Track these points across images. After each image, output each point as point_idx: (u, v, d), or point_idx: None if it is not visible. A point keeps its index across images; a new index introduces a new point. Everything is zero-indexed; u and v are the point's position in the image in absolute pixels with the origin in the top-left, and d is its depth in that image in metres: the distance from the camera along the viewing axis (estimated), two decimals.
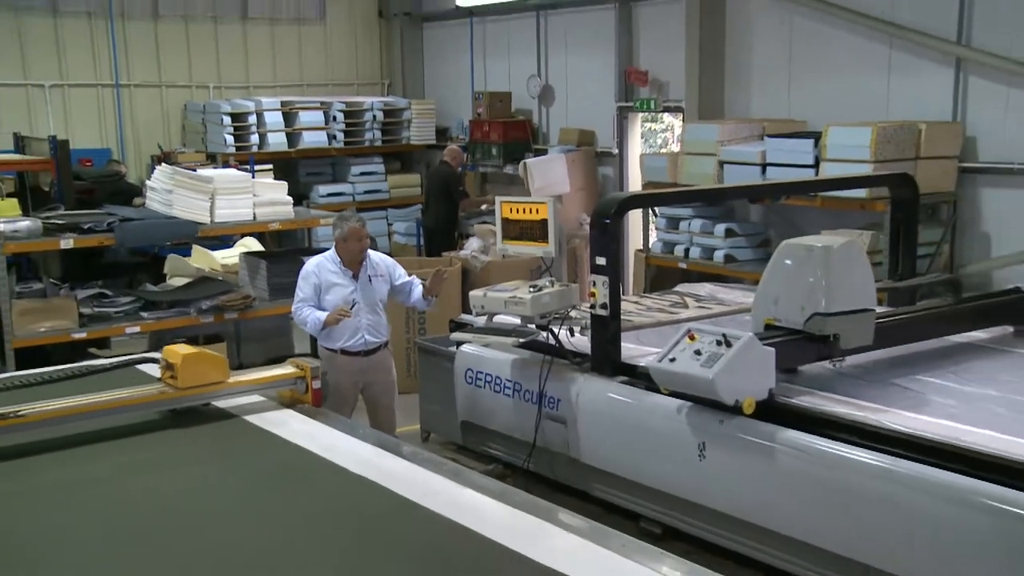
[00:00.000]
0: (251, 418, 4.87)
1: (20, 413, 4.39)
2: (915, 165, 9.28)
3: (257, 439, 4.64)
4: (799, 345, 5.62)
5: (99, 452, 4.48)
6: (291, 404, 5.06)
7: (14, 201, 9.79)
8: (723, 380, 5.04)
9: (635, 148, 13.51)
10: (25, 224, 8.95)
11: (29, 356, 8.72)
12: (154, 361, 4.95)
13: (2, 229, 8.79)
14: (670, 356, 5.31)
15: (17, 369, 8.31)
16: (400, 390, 9.52)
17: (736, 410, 5.11)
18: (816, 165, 9.79)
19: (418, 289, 7.19)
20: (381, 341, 7.13)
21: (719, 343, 5.15)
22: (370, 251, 7.24)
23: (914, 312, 6.58)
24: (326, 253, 7.26)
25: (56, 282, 9.67)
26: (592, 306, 5.98)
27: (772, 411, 5.16)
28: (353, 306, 6.93)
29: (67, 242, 9.11)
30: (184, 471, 4.32)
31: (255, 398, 5.10)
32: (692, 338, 5.29)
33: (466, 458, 6.85)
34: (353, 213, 7.69)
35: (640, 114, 13.41)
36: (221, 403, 4.99)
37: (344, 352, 7.01)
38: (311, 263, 7.24)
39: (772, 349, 5.22)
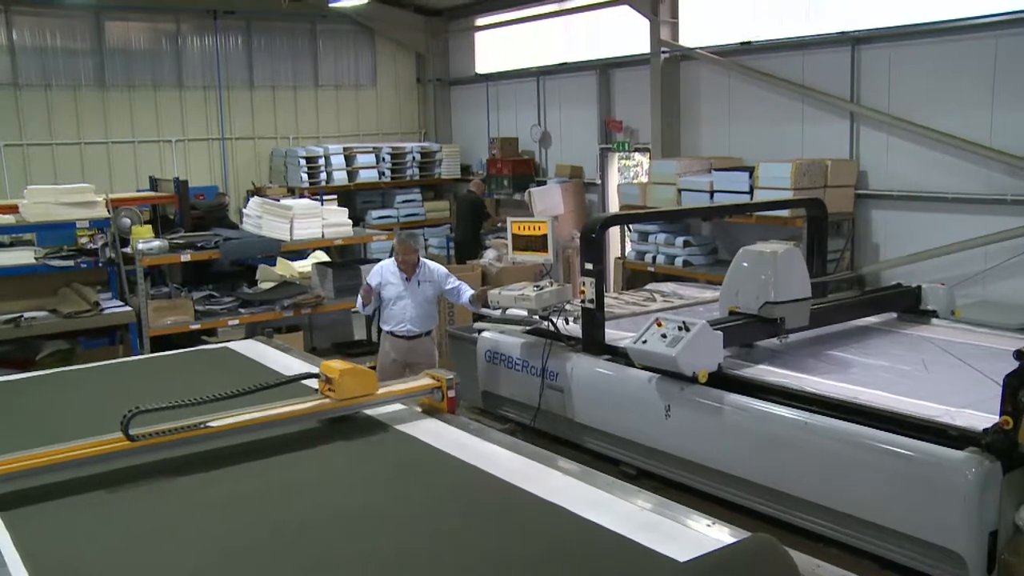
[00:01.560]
0: (401, 427, 4.37)
1: (207, 424, 3.93)
2: (824, 192, 9.26)
3: (403, 441, 4.20)
4: (755, 326, 5.63)
5: (288, 460, 3.94)
6: (429, 411, 4.59)
7: (149, 227, 9.89)
8: (683, 357, 5.02)
9: (613, 179, 13.52)
10: (156, 243, 9.00)
11: (159, 342, 8.76)
12: (315, 376, 4.42)
13: (141, 247, 8.85)
14: (643, 339, 5.29)
15: (152, 351, 8.36)
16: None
17: (693, 380, 5.08)
18: (751, 191, 9.77)
19: (467, 294, 7.30)
20: (423, 331, 7.21)
21: (680, 328, 5.13)
22: (428, 261, 7.48)
23: (831, 301, 6.54)
24: (390, 259, 7.49)
25: (178, 287, 9.69)
26: (582, 301, 5.96)
27: (720, 380, 5.14)
28: (380, 295, 7.24)
29: (186, 256, 9.14)
30: (343, 470, 3.87)
31: (398, 407, 4.61)
32: (659, 325, 5.27)
33: (486, 419, 6.83)
34: (402, 234, 7.79)
35: (617, 153, 13.40)
36: (370, 411, 4.50)
37: (391, 334, 7.23)
38: (379, 265, 7.55)
39: (720, 333, 5.19)
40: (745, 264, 5.74)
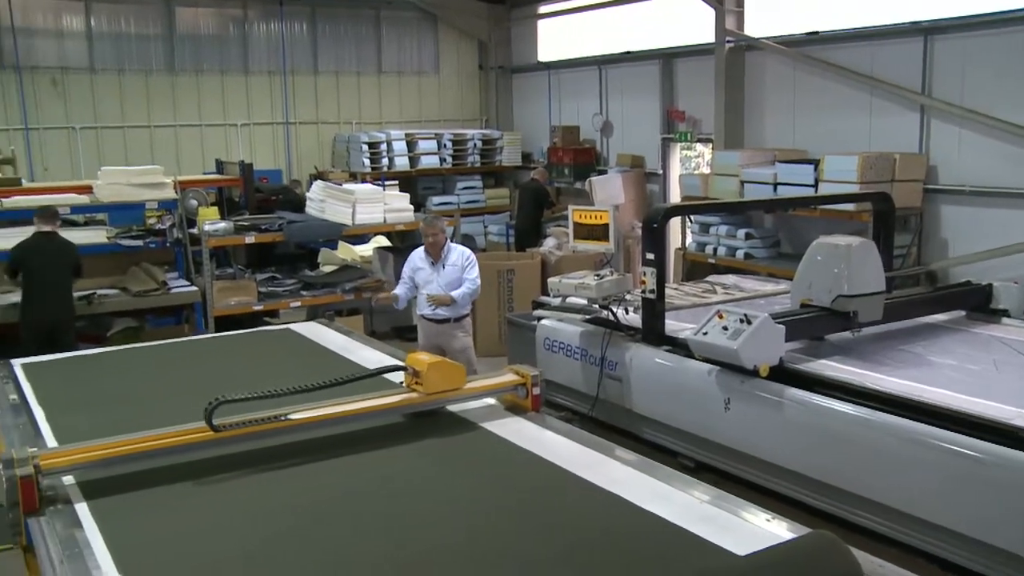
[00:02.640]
0: (485, 423, 4.27)
1: (289, 416, 3.86)
2: (891, 186, 9.08)
3: (479, 436, 4.14)
4: (825, 320, 5.55)
5: (371, 457, 3.89)
6: (512, 407, 4.49)
7: (215, 209, 10.07)
8: (744, 350, 4.96)
9: (675, 170, 13.40)
10: (222, 225, 9.19)
11: (223, 322, 8.93)
12: (402, 369, 4.29)
13: (207, 229, 9.04)
14: (703, 331, 5.24)
15: (216, 331, 8.53)
16: (492, 354, 9.70)
17: (754, 373, 5.03)
18: (815, 185, 9.61)
19: (457, 290, 7.32)
20: (450, 315, 7.37)
21: (742, 321, 5.07)
22: (456, 246, 7.55)
23: (899, 297, 6.42)
24: (422, 246, 7.57)
25: (242, 268, 9.88)
26: (643, 291, 5.92)
27: (782, 374, 5.07)
28: (399, 299, 7.45)
29: (250, 238, 9.32)
30: (421, 465, 3.82)
31: (483, 402, 4.51)
32: (721, 317, 5.21)
33: (548, 408, 6.84)
34: (428, 216, 7.90)
35: (679, 144, 13.27)
36: (453, 407, 4.41)
37: (423, 317, 7.45)
38: (412, 253, 7.61)
39: (783, 326, 5.12)
40: (818, 257, 5.66)
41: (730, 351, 5.00)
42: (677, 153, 13.53)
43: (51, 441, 4.08)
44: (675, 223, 11.79)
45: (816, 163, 9.75)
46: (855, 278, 5.51)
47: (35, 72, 13.55)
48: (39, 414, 4.53)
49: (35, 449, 3.50)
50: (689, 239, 11.62)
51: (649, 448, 5.64)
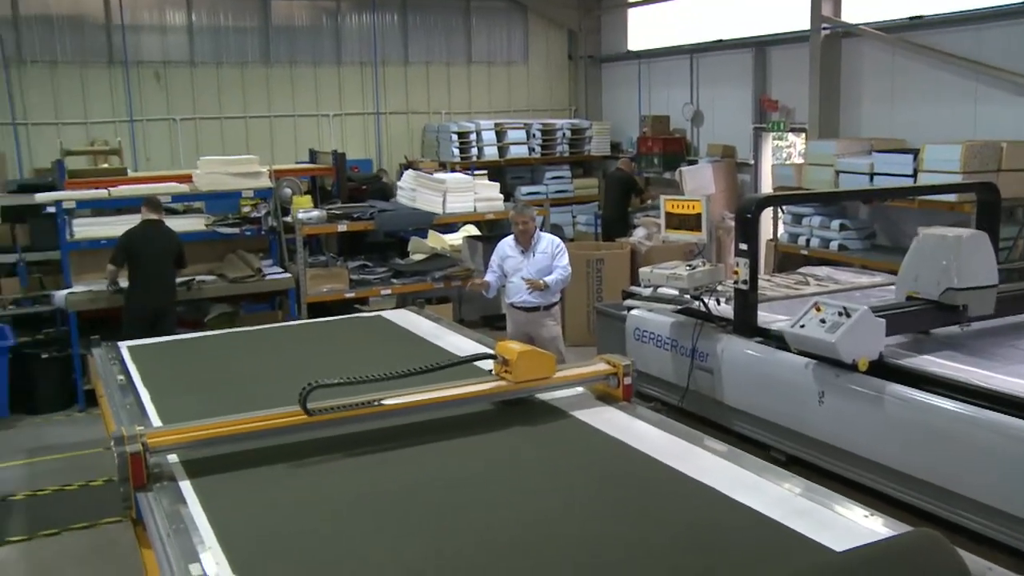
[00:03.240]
0: (576, 411, 4.30)
1: (381, 402, 3.92)
2: (997, 176, 8.72)
3: (577, 426, 4.15)
4: (932, 313, 5.39)
5: (462, 444, 3.94)
6: (603, 396, 4.50)
7: (308, 197, 10.26)
8: (843, 344, 4.83)
9: (767, 160, 13.16)
10: (315, 213, 9.36)
11: (315, 308, 9.11)
12: (491, 357, 4.29)
13: (301, 217, 9.22)
14: (800, 323, 5.13)
15: (309, 317, 8.72)
16: (580, 343, 9.71)
17: (853, 368, 4.90)
18: (915, 175, 9.32)
19: (550, 276, 7.34)
20: (540, 303, 7.38)
21: (840, 314, 4.95)
22: (544, 234, 7.59)
23: (1013, 291, 6.15)
24: (511, 235, 7.62)
25: (334, 256, 10.05)
26: (735, 282, 5.84)
27: (881, 369, 4.94)
28: (490, 286, 7.47)
29: (343, 226, 9.47)
30: (512, 453, 3.87)
31: (573, 390, 4.54)
32: (818, 309, 5.09)
33: (633, 398, 6.82)
34: (518, 204, 7.93)
35: (771, 133, 13.03)
36: (543, 396, 4.46)
37: (512, 306, 7.48)
38: (502, 241, 7.64)
39: (883, 320, 4.98)
40: (926, 248, 5.49)
41: (828, 344, 4.89)
42: (769, 143, 13.28)
43: (156, 421, 4.26)
44: (766, 214, 11.56)
45: (915, 152, 9.45)
46: (965, 270, 5.32)
47: (140, 67, 14.00)
48: (144, 395, 4.73)
49: (142, 428, 3.65)
50: (781, 230, 11.41)
51: (739, 440, 5.57)
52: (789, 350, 5.35)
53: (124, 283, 8.52)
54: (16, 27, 13.23)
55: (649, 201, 13.84)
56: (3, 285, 9.72)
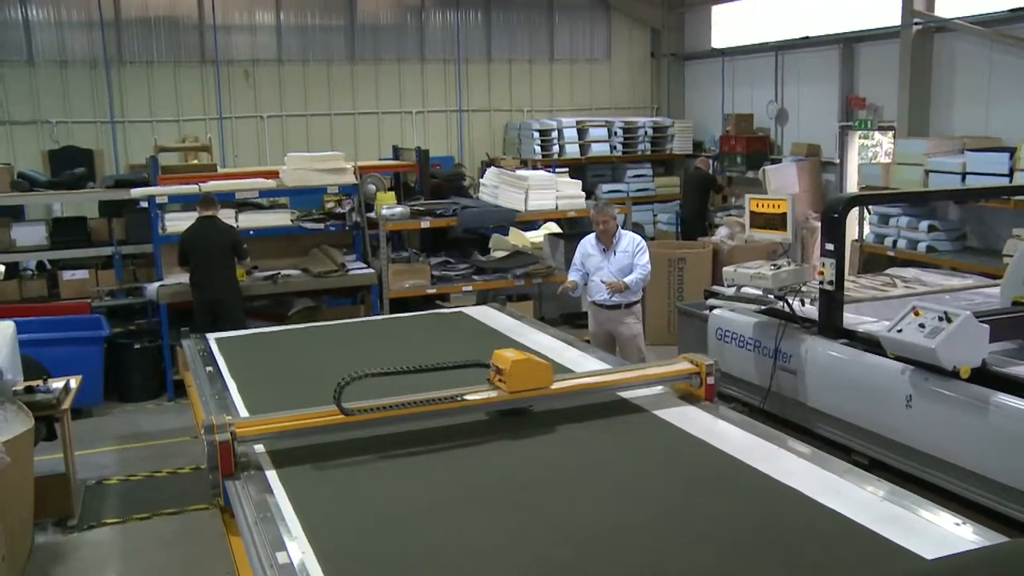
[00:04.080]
0: (657, 410, 4.31)
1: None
2: None
3: (659, 425, 4.15)
4: None
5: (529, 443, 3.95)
6: (684, 396, 4.47)
7: (392, 194, 10.35)
8: (944, 350, 4.65)
9: (853, 159, 12.88)
10: (399, 210, 9.44)
11: (396, 304, 9.22)
12: (483, 366, 4.22)
13: (385, 213, 9.31)
14: (897, 328, 4.96)
15: (390, 312, 8.82)
16: (660, 342, 9.64)
17: (952, 374, 4.73)
18: (1011, 174, 9.01)
19: (630, 275, 7.30)
20: (621, 301, 7.37)
21: (940, 319, 4.76)
22: (625, 232, 7.59)
23: None
24: (593, 233, 7.58)
25: (416, 252, 10.13)
26: (820, 282, 5.73)
27: (984, 376, 4.72)
28: (575, 287, 7.46)
29: (425, 223, 9.54)
30: (591, 450, 3.88)
31: (654, 389, 4.54)
32: (917, 313, 4.91)
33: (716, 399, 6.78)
34: (599, 202, 7.89)
35: (858, 132, 12.74)
36: (626, 394, 4.48)
37: (594, 303, 7.47)
38: (583, 240, 7.64)
39: (987, 326, 4.77)
40: None
41: (927, 350, 4.73)
42: (855, 142, 12.99)
43: (242, 411, 4.37)
44: (852, 214, 11.31)
45: (1012, 151, 9.14)
46: None
47: (230, 65, 14.36)
48: (232, 385, 4.84)
49: (230, 418, 3.74)
50: (867, 231, 11.15)
51: (821, 443, 5.46)
52: (875, 352, 5.23)
53: None
54: (118, 28, 13.70)
55: (733, 199, 13.68)
56: (100, 277, 10.03)
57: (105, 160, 12.28)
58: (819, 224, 9.17)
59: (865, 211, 11.12)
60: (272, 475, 3.56)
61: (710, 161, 14.05)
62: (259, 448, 3.77)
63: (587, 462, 3.73)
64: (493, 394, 4.10)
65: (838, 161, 12.95)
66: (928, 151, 10.08)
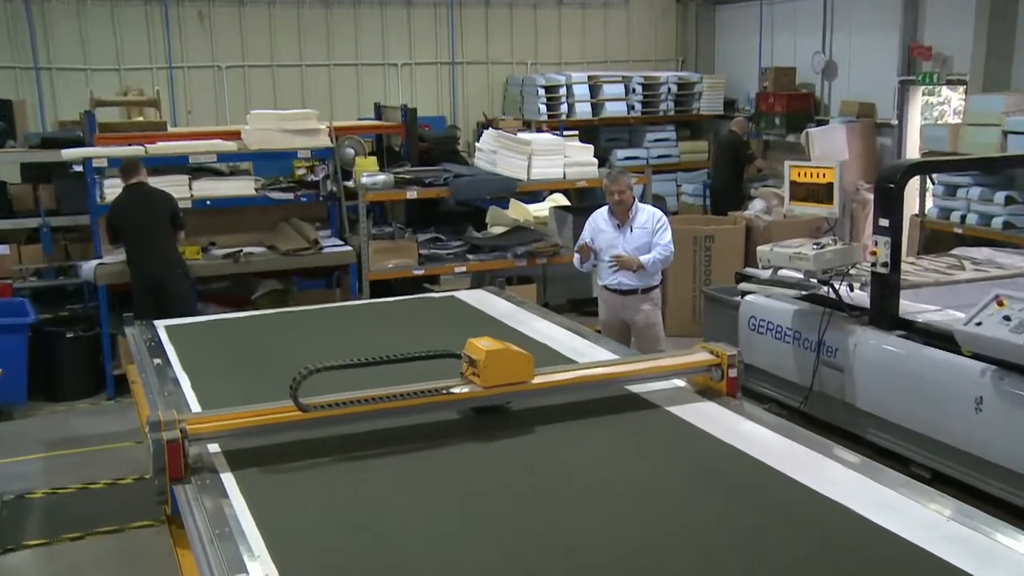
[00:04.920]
0: (673, 407, 4.32)
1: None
2: None
3: (667, 421, 4.20)
4: None
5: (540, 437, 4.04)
6: (704, 391, 4.50)
7: (373, 159, 10.31)
8: None
9: (914, 120, 12.82)
10: (382, 178, 9.42)
11: (378, 287, 9.20)
12: (454, 356, 4.22)
13: (365, 182, 9.29)
14: (976, 320, 4.94)
15: (371, 296, 8.81)
16: (683, 333, 9.65)
17: (1020, 369, 4.72)
18: None
19: (647, 255, 7.25)
20: (637, 285, 7.35)
21: None
22: (644, 205, 7.56)
23: None
24: (605, 206, 7.54)
25: (401, 227, 10.10)
26: (873, 264, 5.73)
27: None
28: (588, 255, 7.38)
29: (412, 193, 9.52)
30: (599, 449, 3.93)
31: (670, 383, 4.58)
32: (1001, 303, 4.88)
33: (745, 397, 6.77)
34: (613, 170, 7.88)
35: (921, 87, 12.69)
36: (635, 388, 4.50)
37: (606, 288, 7.49)
38: (594, 213, 7.60)
39: None
40: None
41: (1015, 348, 4.71)
42: (918, 99, 12.95)
43: (196, 407, 4.37)
44: (912, 184, 11.27)
45: None
46: None
47: (181, 5, 14.27)
48: (184, 380, 4.84)
49: (181, 414, 3.73)
50: (930, 204, 11.13)
51: (873, 452, 5.48)
52: (938, 346, 5.23)
53: None
54: None
55: (761, 171, 13.63)
56: (24, 253, 9.85)
57: (28, 114, 12.19)
58: (872, 196, 9.13)
59: (928, 180, 11.08)
60: (229, 479, 3.56)
61: (746, 123, 14.00)
62: (214, 448, 3.77)
63: (588, 466, 3.74)
64: (465, 389, 4.10)
65: (896, 122, 12.90)
66: (1007, 109, 10.04)
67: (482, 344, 4.12)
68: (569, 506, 3.38)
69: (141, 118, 11.94)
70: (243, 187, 9.74)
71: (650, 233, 7.32)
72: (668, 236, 7.36)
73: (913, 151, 12.34)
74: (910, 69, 12.65)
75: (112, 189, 8.94)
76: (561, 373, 4.38)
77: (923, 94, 12.96)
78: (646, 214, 7.41)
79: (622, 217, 7.36)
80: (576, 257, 7.51)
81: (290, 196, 9.89)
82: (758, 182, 13.19)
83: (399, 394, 3.95)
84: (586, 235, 7.54)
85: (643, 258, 7.23)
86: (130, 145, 9.47)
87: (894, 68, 12.84)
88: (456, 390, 4.09)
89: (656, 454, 3.88)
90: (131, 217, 8.42)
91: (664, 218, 7.46)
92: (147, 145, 9.46)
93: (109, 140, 9.79)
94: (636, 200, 7.48)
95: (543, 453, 3.89)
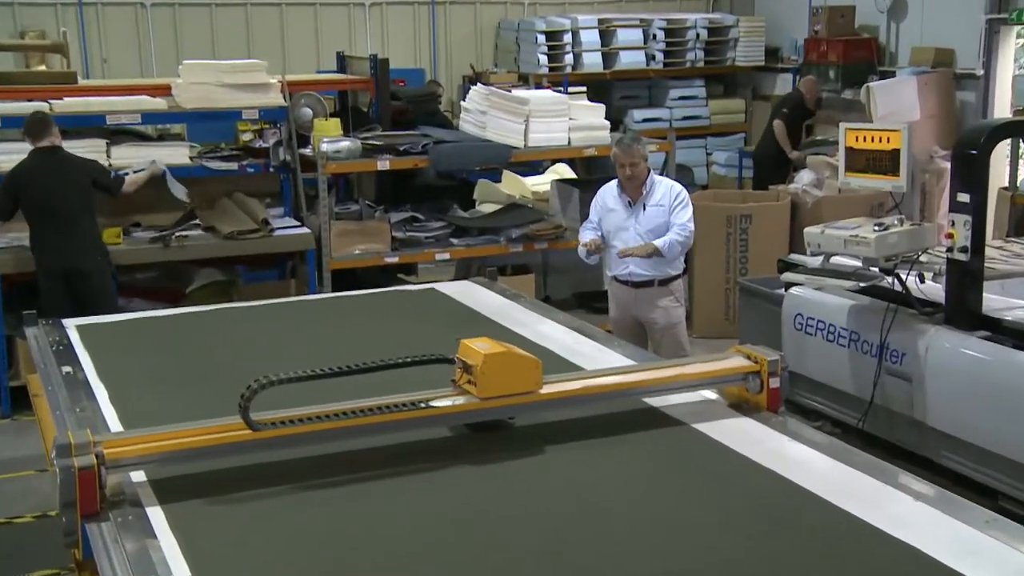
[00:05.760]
0: (700, 424, 4.31)
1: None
2: None
3: (693, 440, 4.20)
4: None
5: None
6: (739, 404, 4.48)
7: (337, 121, 10.26)
8: None
9: (1005, 70, 12.78)
10: (346, 144, 9.40)
11: (342, 278, 9.19)
12: (448, 361, 4.19)
13: (325, 149, 9.26)
14: None
15: (334, 289, 8.79)
16: (713, 334, 9.67)
17: None
18: None
19: (661, 238, 7.23)
20: (654, 276, 7.33)
21: None
22: (661, 179, 7.60)
23: None
24: (614, 180, 7.55)
25: (371, 204, 10.09)
26: (949, 249, 5.73)
27: None
28: (597, 248, 7.39)
29: (384, 163, 9.50)
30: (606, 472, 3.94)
31: (698, 395, 4.55)
32: None
33: (790, 412, 6.77)
34: (624, 136, 7.87)
35: (1015, 27, 12.64)
36: (655, 401, 4.48)
37: (616, 279, 7.51)
38: (602, 189, 7.63)
39: None
40: None
41: None
42: (1010, 43, 12.89)
43: (116, 425, 4.33)
44: (1000, 150, 11.26)
45: None
46: None
47: None
48: (101, 393, 4.80)
49: (97, 434, 3.68)
50: (1022, 174, 11.14)
51: (952, 481, 5.49)
52: None
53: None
54: None
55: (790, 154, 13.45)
56: None
57: None
58: (949, 165, 9.13)
59: (1020, 145, 11.09)
60: (157, 514, 3.53)
61: (817, 85, 13.78)
62: (139, 477, 3.74)
63: (603, 498, 3.73)
64: (459, 400, 4.07)
65: (981, 73, 12.89)
66: None
67: (479, 346, 4.08)
68: (582, 546, 3.37)
69: (43, 67, 11.88)
70: (175, 155, 9.73)
71: (666, 212, 7.31)
72: (688, 214, 7.36)
73: (1003, 109, 12.37)
74: (1000, 6, 12.62)
75: (8, 156, 8.83)
76: (574, 381, 4.35)
77: (1017, 36, 12.92)
78: (662, 189, 7.39)
79: (634, 194, 7.36)
80: (581, 249, 7.52)
81: (233, 166, 9.86)
82: (809, 149, 13.10)
83: (375, 408, 3.91)
84: (593, 216, 7.53)
85: (658, 242, 7.21)
86: (30, 101, 9.40)
87: (979, 5, 12.83)
88: (445, 402, 4.05)
89: (681, 483, 3.86)
90: (40, 188, 8.32)
91: (684, 192, 7.47)
92: (51, 101, 9.40)
93: (3, 94, 9.72)
94: (652, 173, 7.47)
95: (549, 480, 3.87)
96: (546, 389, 4.17)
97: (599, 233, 7.48)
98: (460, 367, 4.09)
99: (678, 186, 7.53)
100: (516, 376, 4.09)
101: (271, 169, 9.92)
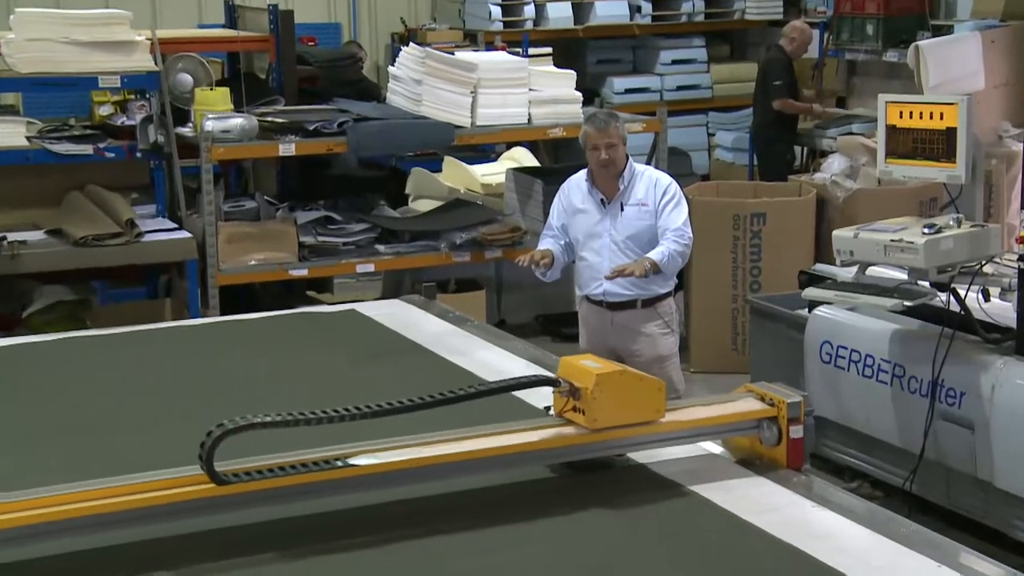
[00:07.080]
0: (700, 487, 4.26)
1: (349, 462, 3.85)
2: None
3: (708, 517, 4.11)
4: None
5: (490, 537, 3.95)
6: (749, 460, 4.46)
7: (225, 91, 10.10)
8: None
9: None
10: (238, 122, 9.34)
11: (235, 296, 9.16)
12: (550, 382, 4.24)
13: (210, 127, 9.18)
14: None
15: (222, 313, 8.75)
16: (715, 368, 9.68)
17: None
18: None
19: (656, 250, 7.18)
20: (634, 295, 7.33)
21: None
22: (644, 168, 7.64)
23: None
24: (582, 172, 7.55)
25: (271, 200, 10.06)
26: (1021, 257, 5.78)
27: None
28: (550, 263, 7.31)
29: (288, 147, 9.47)
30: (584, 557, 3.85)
31: (698, 447, 4.53)
32: None
33: (816, 469, 6.81)
34: (596, 113, 7.84)
35: None
36: (640, 457, 4.43)
37: (589, 299, 7.53)
38: (568, 181, 7.62)
39: None
40: None
41: None
42: None
43: None
44: None
45: None
46: None
47: None
48: None
49: None
50: None
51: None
52: None
53: None
54: None
55: (814, 108, 13.49)
56: None
57: None
58: (1022, 148, 9.23)
59: None
60: None
61: (809, 32, 13.83)
62: None
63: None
64: (568, 431, 4.12)
65: None
66: None
67: (588, 364, 4.12)
68: None
69: None
70: (7, 134, 9.67)
71: (652, 213, 7.27)
72: (683, 215, 7.33)
73: None
74: None
75: None
76: (526, 432, 4.23)
77: None
78: (645, 183, 7.34)
79: (608, 189, 7.32)
80: (524, 259, 7.45)
81: (88, 150, 9.80)
82: (833, 127, 13.15)
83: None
84: (554, 220, 7.52)
85: (654, 253, 7.17)
86: None
87: None
88: (536, 436, 4.12)
89: (672, 567, 3.85)
90: None
91: (674, 186, 7.44)
92: None
93: None
94: (631, 161, 7.46)
95: (495, 558, 3.84)
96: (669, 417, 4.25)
97: (562, 242, 7.45)
98: (565, 392, 4.11)
99: (666, 178, 7.50)
100: (638, 401, 4.15)
101: (138, 154, 9.89)
